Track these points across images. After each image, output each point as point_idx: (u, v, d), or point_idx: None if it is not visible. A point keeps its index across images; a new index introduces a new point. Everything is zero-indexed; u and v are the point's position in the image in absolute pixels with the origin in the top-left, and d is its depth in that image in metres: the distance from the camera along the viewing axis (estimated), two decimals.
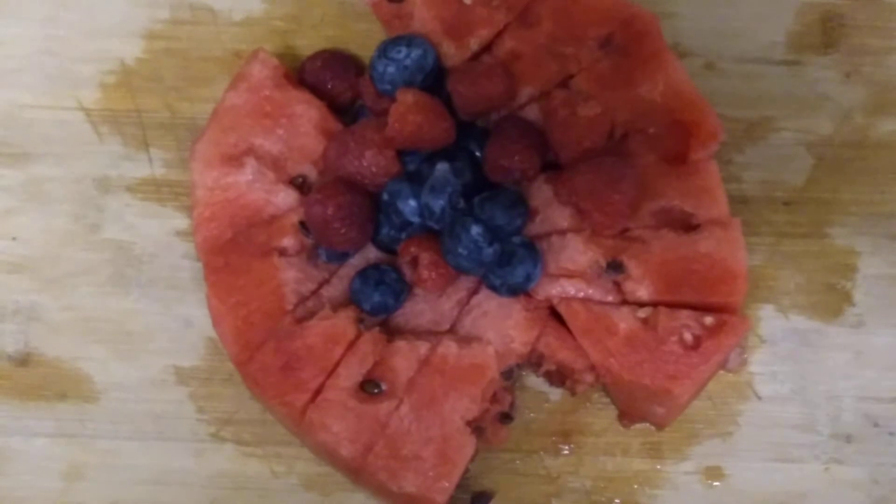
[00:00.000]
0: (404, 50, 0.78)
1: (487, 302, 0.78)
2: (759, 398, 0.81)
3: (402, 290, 0.77)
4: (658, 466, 0.80)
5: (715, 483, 0.80)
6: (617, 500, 0.79)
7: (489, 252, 0.74)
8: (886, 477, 0.79)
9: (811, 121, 0.85)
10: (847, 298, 0.82)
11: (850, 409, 0.80)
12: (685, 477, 0.80)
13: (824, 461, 0.80)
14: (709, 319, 0.74)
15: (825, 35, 0.86)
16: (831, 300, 0.82)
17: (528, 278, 0.76)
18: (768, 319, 0.82)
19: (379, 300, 0.77)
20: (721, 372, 0.80)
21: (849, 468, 0.80)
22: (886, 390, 0.80)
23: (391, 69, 0.78)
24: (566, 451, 0.80)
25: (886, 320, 0.82)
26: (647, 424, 0.80)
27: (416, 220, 0.77)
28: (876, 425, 0.80)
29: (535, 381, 0.81)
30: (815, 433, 0.80)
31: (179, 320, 0.82)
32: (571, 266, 0.76)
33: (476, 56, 0.81)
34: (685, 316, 0.75)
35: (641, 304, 0.76)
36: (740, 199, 0.83)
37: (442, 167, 0.76)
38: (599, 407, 0.81)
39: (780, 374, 0.81)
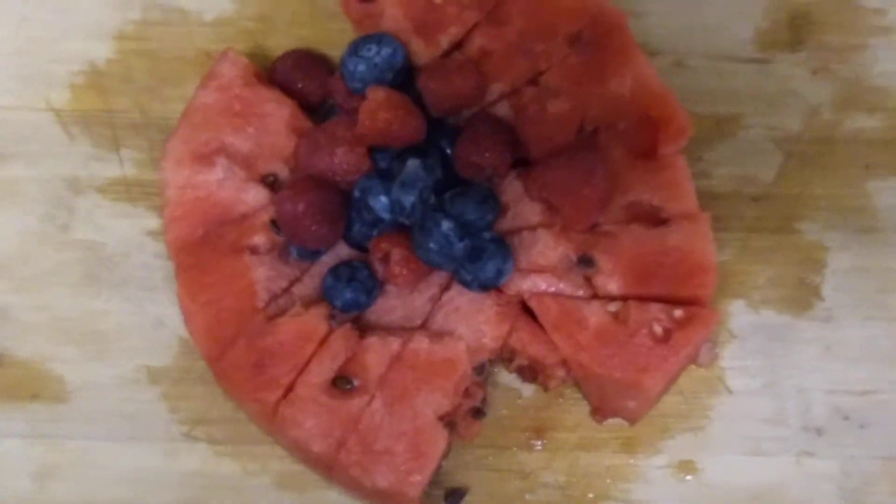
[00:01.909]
0: (374, 48, 0.79)
1: (459, 297, 0.78)
2: (731, 392, 0.81)
3: (373, 287, 0.77)
4: (631, 461, 0.80)
5: (687, 477, 0.80)
6: (590, 495, 0.80)
7: (460, 247, 0.75)
8: (857, 469, 0.80)
9: (780, 117, 0.86)
10: (816, 293, 0.83)
11: (821, 403, 0.81)
12: (658, 471, 0.80)
13: (795, 454, 0.80)
14: (678, 312, 0.75)
15: (793, 33, 0.87)
16: (801, 295, 0.83)
17: (500, 273, 0.76)
18: (739, 314, 0.82)
19: (350, 297, 0.77)
20: (692, 367, 0.80)
21: (820, 461, 0.80)
22: (856, 383, 0.81)
23: (362, 67, 0.78)
24: (539, 447, 0.80)
25: (855, 314, 0.82)
26: (620, 419, 0.80)
27: (387, 216, 0.77)
28: (846, 418, 0.81)
29: (507, 378, 0.81)
30: (786, 426, 0.80)
31: (151, 320, 0.82)
32: (542, 261, 0.77)
33: (446, 54, 0.81)
34: (655, 309, 0.75)
35: (612, 298, 0.76)
36: (710, 196, 0.83)
37: (413, 163, 0.76)
38: (572, 402, 0.81)
39: (750, 368, 0.81)
